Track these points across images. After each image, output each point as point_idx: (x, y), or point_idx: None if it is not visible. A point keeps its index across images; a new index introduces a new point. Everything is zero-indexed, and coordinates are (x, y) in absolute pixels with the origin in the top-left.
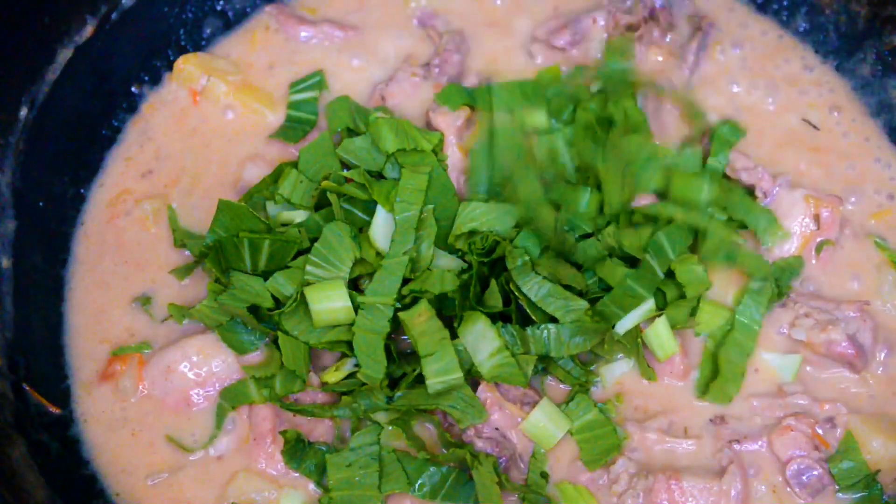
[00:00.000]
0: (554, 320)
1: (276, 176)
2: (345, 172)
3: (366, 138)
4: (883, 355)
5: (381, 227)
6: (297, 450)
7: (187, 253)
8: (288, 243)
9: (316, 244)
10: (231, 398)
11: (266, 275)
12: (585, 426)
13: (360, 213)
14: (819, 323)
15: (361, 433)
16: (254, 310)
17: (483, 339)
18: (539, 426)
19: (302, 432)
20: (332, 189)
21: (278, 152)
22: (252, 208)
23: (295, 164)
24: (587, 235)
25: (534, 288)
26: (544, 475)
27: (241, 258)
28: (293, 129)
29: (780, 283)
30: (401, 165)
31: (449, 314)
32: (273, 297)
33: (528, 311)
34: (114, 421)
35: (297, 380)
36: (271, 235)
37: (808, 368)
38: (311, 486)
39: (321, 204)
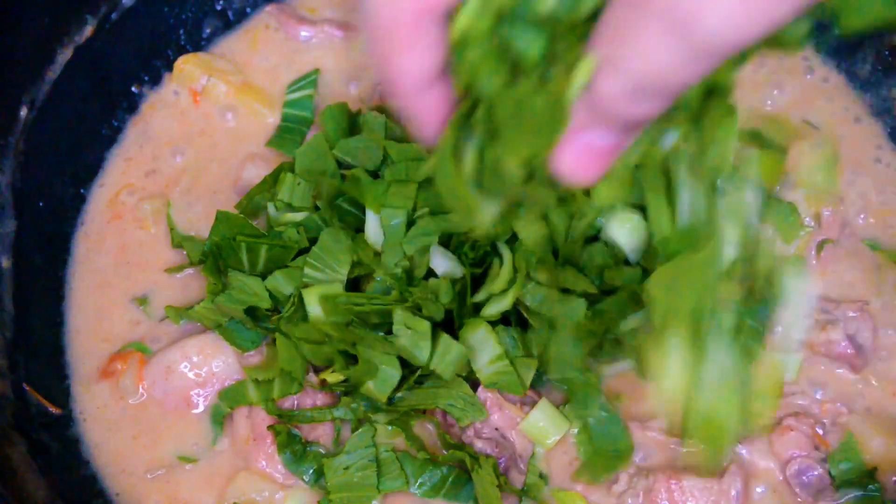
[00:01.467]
0: (554, 323)
1: (276, 176)
2: (344, 172)
3: (361, 138)
4: (883, 355)
5: (375, 228)
6: (292, 448)
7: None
8: (286, 248)
9: (314, 247)
10: (229, 399)
11: (264, 275)
12: (584, 426)
13: (359, 214)
14: (818, 322)
15: (357, 435)
16: (251, 311)
17: (484, 346)
18: (538, 426)
19: (292, 428)
20: (331, 189)
21: (278, 152)
22: (253, 210)
23: (292, 167)
24: (592, 238)
25: (530, 294)
26: (543, 476)
27: (239, 262)
28: (289, 131)
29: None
30: (392, 167)
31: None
32: (271, 296)
33: (526, 316)
34: (114, 421)
35: (294, 382)
36: (269, 240)
37: (807, 368)
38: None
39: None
